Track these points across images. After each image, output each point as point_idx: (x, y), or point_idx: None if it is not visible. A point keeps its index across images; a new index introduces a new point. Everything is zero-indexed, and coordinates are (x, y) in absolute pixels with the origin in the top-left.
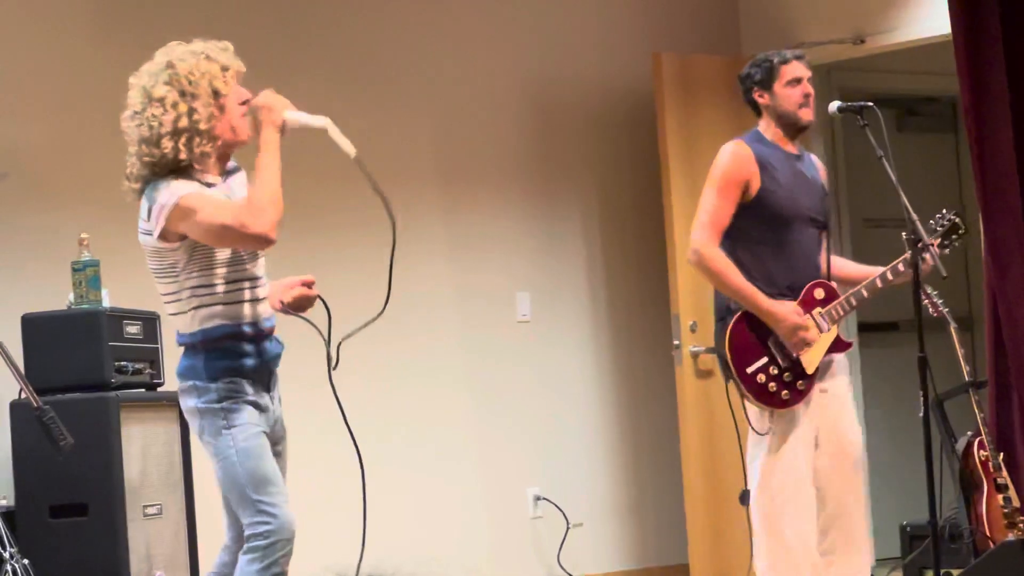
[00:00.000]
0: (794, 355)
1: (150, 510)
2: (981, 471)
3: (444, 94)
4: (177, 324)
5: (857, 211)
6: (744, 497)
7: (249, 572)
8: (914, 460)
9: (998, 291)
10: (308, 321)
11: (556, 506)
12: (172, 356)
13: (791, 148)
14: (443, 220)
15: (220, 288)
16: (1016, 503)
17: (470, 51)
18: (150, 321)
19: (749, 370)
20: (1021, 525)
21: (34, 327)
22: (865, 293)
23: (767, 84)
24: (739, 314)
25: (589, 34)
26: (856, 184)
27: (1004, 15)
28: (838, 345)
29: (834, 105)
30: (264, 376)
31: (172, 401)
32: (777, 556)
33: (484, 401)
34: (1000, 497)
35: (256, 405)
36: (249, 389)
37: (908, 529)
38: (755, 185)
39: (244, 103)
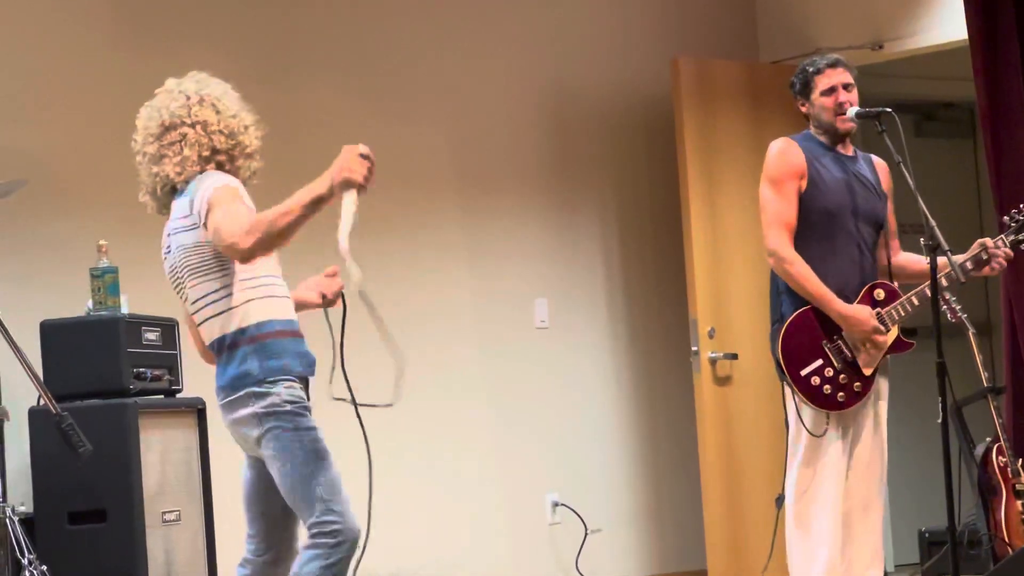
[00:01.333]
0: (850, 357)
1: (168, 516)
2: (1000, 477)
3: (462, 101)
4: (216, 327)
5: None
6: (780, 500)
7: (312, 568)
8: (933, 466)
9: (1015, 297)
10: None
11: (575, 512)
12: (191, 362)
13: (843, 150)
14: (461, 227)
15: (270, 281)
16: None
17: (487, 58)
18: (169, 328)
19: (803, 373)
20: None
21: (53, 334)
22: (928, 293)
23: (806, 94)
24: (792, 317)
25: (607, 39)
26: None
27: (1021, 20)
28: (898, 345)
29: (852, 111)
30: (306, 383)
31: (191, 407)
32: (808, 554)
33: (502, 407)
34: (1019, 503)
35: (309, 410)
36: (303, 395)
37: (927, 535)
38: (805, 180)
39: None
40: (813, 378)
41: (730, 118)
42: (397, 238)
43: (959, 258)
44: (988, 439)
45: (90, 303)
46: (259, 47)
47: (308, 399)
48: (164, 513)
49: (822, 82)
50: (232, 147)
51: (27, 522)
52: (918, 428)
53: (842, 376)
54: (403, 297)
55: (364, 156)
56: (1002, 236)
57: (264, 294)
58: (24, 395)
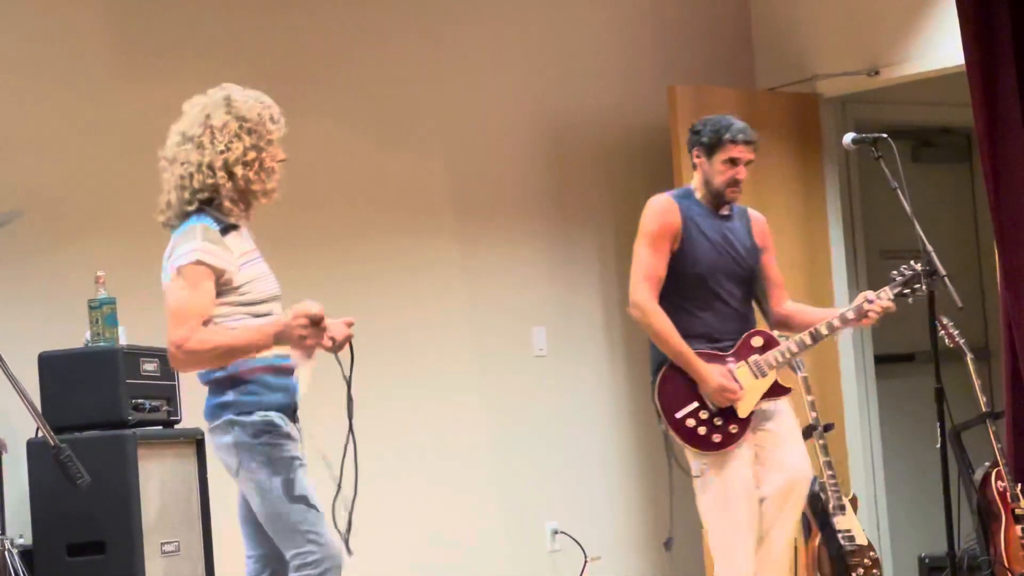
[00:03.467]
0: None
1: (168, 547)
2: (999, 502)
3: (459, 129)
4: None
5: (873, 243)
6: (668, 544)
7: None
8: (932, 491)
9: (1014, 322)
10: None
11: (574, 540)
12: (189, 393)
13: (721, 209)
14: (459, 255)
15: (245, 321)
16: None
17: (485, 86)
18: (167, 358)
19: (678, 415)
20: None
21: (51, 365)
22: (808, 340)
23: (709, 151)
24: (669, 363)
25: (604, 67)
26: (872, 216)
27: (1018, 46)
28: (775, 390)
29: (849, 137)
30: (291, 411)
31: (189, 438)
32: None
33: (501, 435)
34: (1018, 528)
35: (289, 437)
36: (281, 423)
37: (926, 560)
38: (679, 238)
39: (280, 161)
40: (688, 420)
41: None
42: (395, 266)
43: (833, 311)
44: (987, 464)
45: (88, 334)
46: (257, 76)
47: (295, 423)
48: (163, 544)
49: (731, 151)
50: (213, 186)
51: (26, 554)
52: (917, 453)
53: (716, 419)
54: (401, 325)
55: (314, 321)
56: (885, 288)
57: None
58: (22, 427)
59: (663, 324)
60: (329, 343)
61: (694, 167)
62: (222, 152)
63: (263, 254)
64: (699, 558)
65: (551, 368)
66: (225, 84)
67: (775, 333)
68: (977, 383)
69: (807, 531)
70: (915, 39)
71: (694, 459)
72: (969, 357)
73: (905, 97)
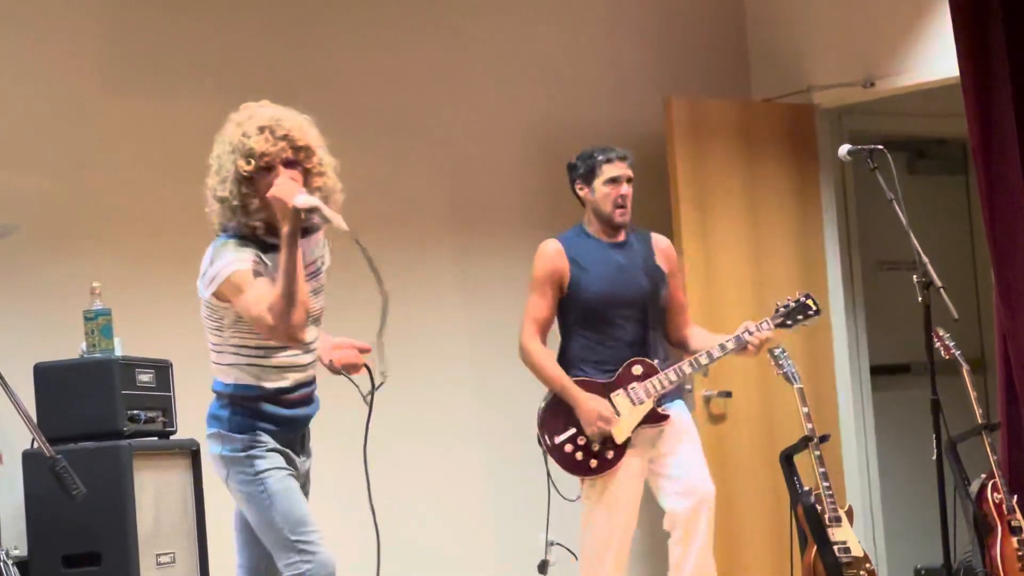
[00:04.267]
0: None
1: (163, 559)
2: (995, 514)
3: (455, 140)
4: (215, 372)
5: (869, 254)
6: (542, 567)
7: None
8: (928, 503)
9: (1009, 334)
10: (352, 381)
11: (568, 550)
12: (184, 404)
13: (613, 237)
14: (455, 264)
15: (259, 353)
16: None
17: (481, 97)
18: (163, 369)
19: (557, 440)
20: None
21: (46, 376)
22: (687, 368)
23: (588, 179)
24: (555, 394)
25: (600, 79)
26: (868, 227)
27: (1012, 58)
28: (653, 417)
29: (844, 148)
30: (289, 436)
31: (185, 449)
32: None
33: (496, 443)
34: (1014, 540)
35: (279, 452)
36: (271, 441)
37: (922, 572)
38: (567, 279)
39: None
40: (566, 446)
41: (723, 156)
42: (390, 277)
43: (721, 338)
44: (983, 476)
45: (84, 345)
46: (251, 90)
47: (305, 442)
48: (159, 555)
49: (609, 170)
50: (218, 211)
51: (22, 566)
52: (912, 465)
53: (594, 445)
54: (396, 337)
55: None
56: (766, 319)
57: (249, 362)
58: (18, 438)
59: (539, 358)
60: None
61: (583, 204)
62: (223, 180)
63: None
64: None
65: None
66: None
67: (655, 362)
68: (973, 395)
69: (803, 543)
70: (911, 50)
71: (573, 483)
72: (965, 369)
73: (901, 108)
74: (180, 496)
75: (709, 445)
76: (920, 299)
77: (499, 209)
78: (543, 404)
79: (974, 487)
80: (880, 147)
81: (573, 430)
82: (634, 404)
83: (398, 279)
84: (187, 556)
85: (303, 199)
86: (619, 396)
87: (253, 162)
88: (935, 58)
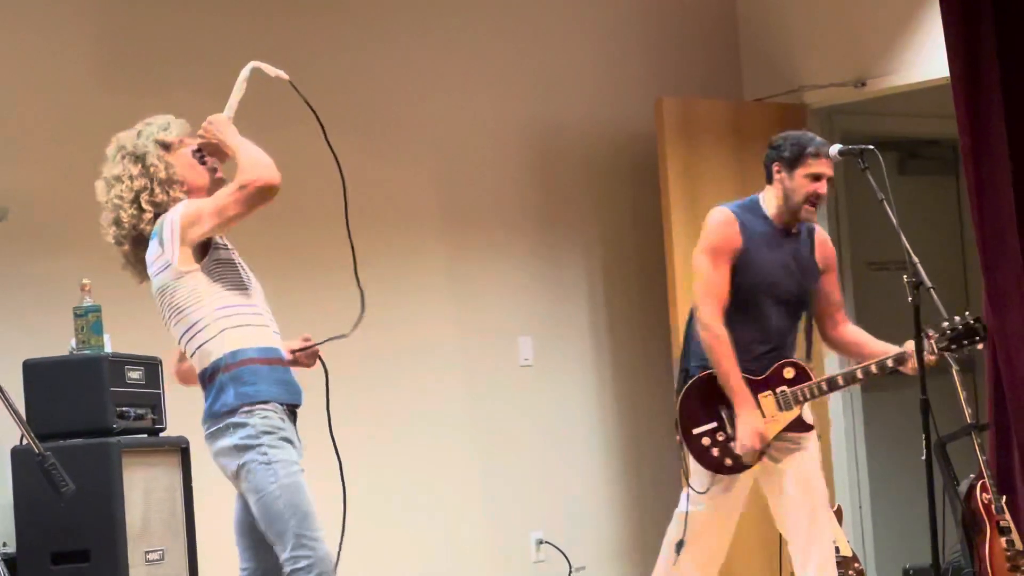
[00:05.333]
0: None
1: (152, 556)
2: (984, 514)
3: (446, 139)
4: (198, 361)
5: (859, 254)
6: (678, 546)
7: None
8: (917, 503)
9: (998, 336)
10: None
11: (559, 550)
12: (174, 401)
13: (785, 224)
14: (445, 264)
15: (243, 310)
16: (1019, 546)
17: (472, 97)
18: (152, 366)
19: (695, 431)
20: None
21: (36, 373)
22: (841, 381)
23: (792, 165)
24: (697, 377)
25: (591, 79)
26: (858, 227)
27: (1003, 59)
28: (797, 425)
29: (835, 148)
30: (292, 407)
31: (174, 446)
32: None
33: (486, 445)
34: (1003, 540)
35: (290, 442)
36: (283, 424)
37: (911, 572)
38: (738, 255)
39: (197, 150)
40: (704, 439)
41: (714, 156)
42: (381, 276)
43: (884, 360)
44: (972, 476)
45: (73, 342)
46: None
47: (295, 426)
48: (147, 553)
49: (815, 166)
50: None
51: (10, 562)
52: (902, 465)
53: (732, 444)
54: (387, 335)
55: None
56: (931, 342)
57: (238, 323)
58: (6, 434)
59: (725, 349)
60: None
61: (769, 181)
62: (118, 197)
63: (248, 264)
64: None
65: (537, 378)
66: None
67: (808, 366)
68: (962, 395)
69: None
70: (902, 51)
71: (703, 475)
72: (954, 369)
73: (892, 109)
74: (169, 493)
75: None
76: (910, 299)
77: (490, 207)
78: (683, 388)
79: (963, 487)
80: (871, 147)
81: (714, 424)
82: (780, 409)
83: (388, 278)
84: (176, 553)
85: (232, 102)
86: (767, 398)
87: (171, 130)
88: (926, 59)
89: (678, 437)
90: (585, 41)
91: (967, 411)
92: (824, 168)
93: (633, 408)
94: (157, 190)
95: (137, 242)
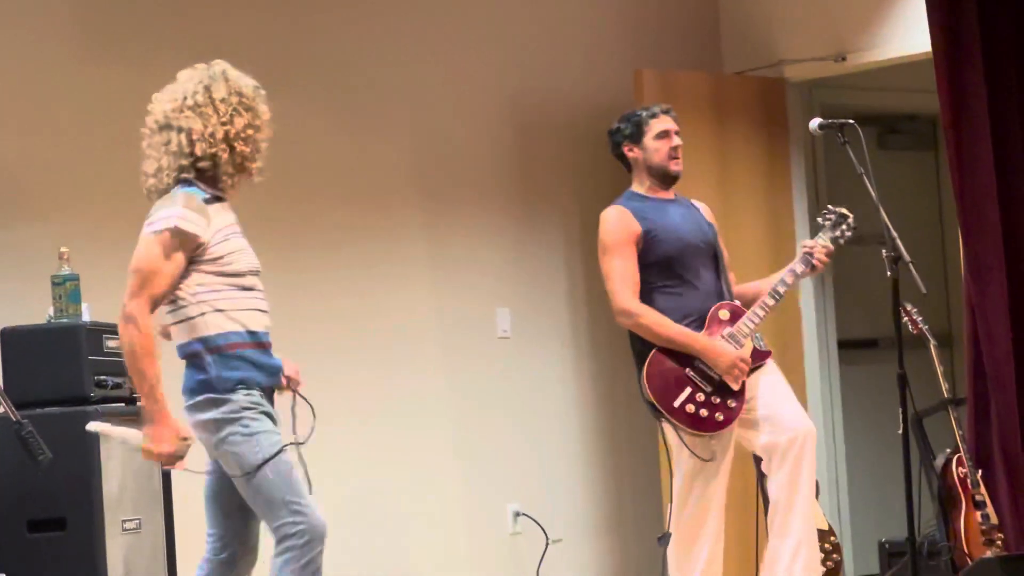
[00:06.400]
0: (716, 378)
1: (128, 525)
2: (959, 488)
3: (424, 112)
4: (180, 334)
5: None
6: (664, 539)
7: (287, 573)
8: (893, 477)
9: (977, 309)
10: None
11: (536, 522)
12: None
13: (665, 195)
14: (423, 237)
15: (227, 292)
16: (994, 520)
17: (451, 69)
18: None
19: (676, 404)
20: (999, 542)
21: (13, 341)
22: (770, 301)
23: (636, 138)
24: (650, 358)
25: (571, 51)
26: (837, 201)
27: (984, 33)
28: (756, 355)
29: (815, 122)
30: (271, 390)
31: None
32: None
33: (464, 417)
34: (978, 514)
35: (270, 416)
36: (262, 402)
37: (887, 546)
38: (640, 236)
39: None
40: (687, 407)
41: (693, 129)
42: (358, 248)
43: (794, 265)
44: (948, 450)
45: (51, 311)
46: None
47: (272, 405)
48: (124, 521)
49: (657, 125)
50: (214, 155)
51: None
52: (879, 439)
53: (714, 397)
54: (365, 308)
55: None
56: (820, 235)
57: (226, 306)
58: None
59: (654, 317)
60: None
61: (629, 169)
62: (225, 124)
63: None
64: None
65: (514, 350)
66: (218, 61)
67: (738, 303)
68: (940, 370)
69: (767, 505)
70: (883, 25)
71: (700, 442)
72: (932, 344)
73: (872, 83)
74: (146, 463)
75: None
76: (888, 274)
77: (468, 179)
78: (643, 373)
79: (939, 461)
80: (851, 121)
81: (689, 389)
82: (735, 349)
83: (366, 251)
84: (153, 522)
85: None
86: (718, 343)
87: (265, 112)
88: (907, 33)
89: (663, 424)
90: (564, 13)
91: (944, 385)
92: (667, 124)
93: (611, 380)
94: (250, 156)
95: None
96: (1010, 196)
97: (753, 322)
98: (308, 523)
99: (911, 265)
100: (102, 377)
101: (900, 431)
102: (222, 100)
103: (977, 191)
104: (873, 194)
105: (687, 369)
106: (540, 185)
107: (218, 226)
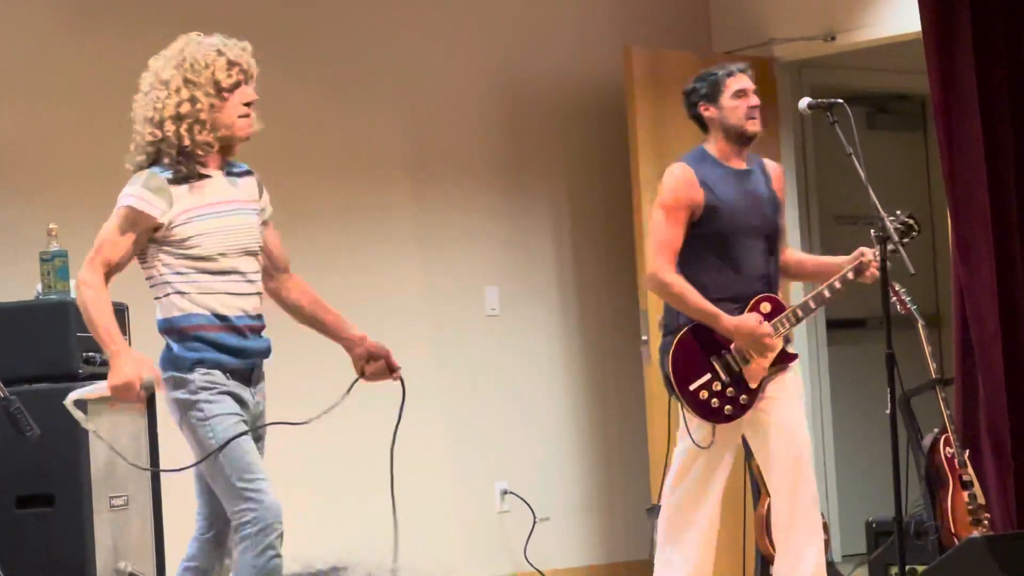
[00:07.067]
0: (737, 371)
1: (116, 501)
2: (947, 468)
3: (414, 88)
4: (157, 310)
5: (827, 208)
6: (654, 511)
7: (246, 562)
8: (880, 457)
9: (966, 289)
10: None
11: (523, 500)
12: (140, 346)
13: (738, 163)
14: (412, 214)
15: (194, 276)
16: (981, 500)
17: (440, 45)
18: (118, 312)
19: (692, 387)
20: (986, 522)
21: (1, 317)
22: (812, 304)
23: (713, 97)
24: (681, 334)
25: (560, 28)
26: (826, 181)
27: (974, 13)
28: (782, 358)
29: (804, 102)
30: (244, 372)
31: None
32: (667, 567)
33: (452, 395)
34: (965, 494)
35: (234, 396)
36: (226, 381)
37: (874, 525)
38: (700, 206)
39: (248, 104)
40: (701, 392)
41: (682, 108)
42: (348, 225)
43: (845, 272)
44: (936, 430)
45: (39, 287)
46: (209, 31)
47: (251, 384)
48: (112, 498)
49: (734, 84)
50: (160, 140)
51: None
52: (866, 419)
53: (729, 389)
54: (353, 284)
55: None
56: (879, 246)
57: (189, 289)
58: None
59: (682, 287)
60: None
61: (704, 129)
62: (157, 109)
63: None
64: (647, 520)
65: (503, 328)
66: (188, 34)
67: (780, 297)
68: (928, 350)
69: (756, 496)
70: (872, 5)
71: (702, 429)
72: (920, 324)
73: (861, 63)
74: (134, 439)
75: (664, 396)
76: (876, 254)
77: (457, 156)
78: (668, 349)
79: (927, 441)
80: (840, 101)
81: (708, 376)
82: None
83: (355, 228)
84: (140, 499)
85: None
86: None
87: (233, 74)
88: (897, 13)
89: (674, 396)
90: None
91: (932, 366)
92: (744, 82)
93: (599, 358)
94: (197, 129)
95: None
96: (999, 177)
97: (791, 321)
98: (260, 510)
99: (900, 245)
100: (90, 353)
101: (888, 411)
102: (164, 83)
103: (966, 172)
104: (862, 174)
105: (712, 356)
106: (529, 163)
107: (184, 207)
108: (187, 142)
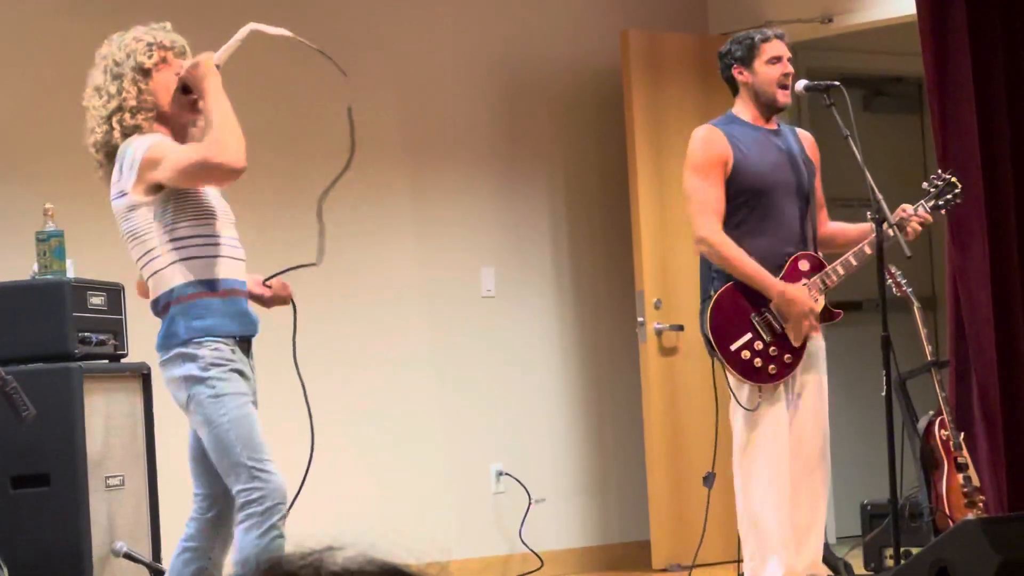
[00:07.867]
0: (779, 329)
1: (112, 481)
2: (942, 450)
3: (411, 71)
4: (153, 288)
5: (824, 190)
6: (708, 479)
7: (248, 541)
8: (875, 439)
9: (959, 273)
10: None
11: (519, 482)
12: (136, 327)
13: (768, 125)
14: (409, 196)
15: (199, 241)
16: (976, 482)
17: (437, 28)
18: (115, 292)
19: (733, 347)
20: (980, 504)
21: None
22: (854, 261)
23: (747, 61)
24: (719, 293)
25: (557, 11)
26: (822, 163)
27: None
28: (825, 315)
29: (801, 84)
30: (245, 339)
31: (135, 372)
32: (751, 531)
33: (448, 376)
34: (960, 476)
35: (241, 373)
36: (233, 356)
37: (868, 507)
38: (730, 165)
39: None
40: (743, 352)
41: (679, 90)
42: (343, 206)
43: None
44: (931, 412)
45: (35, 267)
46: (203, 9)
47: (249, 357)
48: (108, 478)
49: (769, 49)
50: (106, 142)
51: None
52: (862, 401)
53: (772, 348)
54: (349, 266)
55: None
56: (922, 202)
57: (192, 255)
58: None
59: (732, 251)
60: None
61: (735, 92)
62: (96, 109)
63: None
64: (643, 501)
65: (499, 309)
66: (122, 32)
67: (820, 255)
68: (923, 332)
69: None
70: None
71: (750, 392)
72: (916, 306)
73: (858, 45)
74: (130, 419)
75: (660, 377)
76: (873, 236)
77: (454, 140)
78: (707, 312)
79: (922, 423)
80: (836, 83)
81: (749, 335)
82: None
83: (351, 209)
84: (136, 479)
85: (222, 50)
86: (795, 289)
87: (153, 54)
88: None
89: (715, 361)
90: None
91: (927, 348)
92: (780, 49)
93: (595, 340)
94: (127, 116)
95: (109, 156)
96: (993, 161)
97: (832, 279)
98: (267, 488)
99: (896, 228)
100: (86, 333)
101: (883, 393)
102: (96, 90)
103: (960, 155)
104: (858, 156)
105: (753, 314)
106: (525, 145)
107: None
108: (117, 136)
